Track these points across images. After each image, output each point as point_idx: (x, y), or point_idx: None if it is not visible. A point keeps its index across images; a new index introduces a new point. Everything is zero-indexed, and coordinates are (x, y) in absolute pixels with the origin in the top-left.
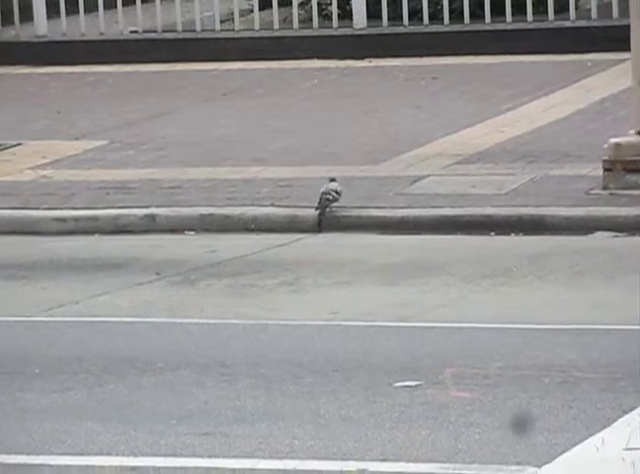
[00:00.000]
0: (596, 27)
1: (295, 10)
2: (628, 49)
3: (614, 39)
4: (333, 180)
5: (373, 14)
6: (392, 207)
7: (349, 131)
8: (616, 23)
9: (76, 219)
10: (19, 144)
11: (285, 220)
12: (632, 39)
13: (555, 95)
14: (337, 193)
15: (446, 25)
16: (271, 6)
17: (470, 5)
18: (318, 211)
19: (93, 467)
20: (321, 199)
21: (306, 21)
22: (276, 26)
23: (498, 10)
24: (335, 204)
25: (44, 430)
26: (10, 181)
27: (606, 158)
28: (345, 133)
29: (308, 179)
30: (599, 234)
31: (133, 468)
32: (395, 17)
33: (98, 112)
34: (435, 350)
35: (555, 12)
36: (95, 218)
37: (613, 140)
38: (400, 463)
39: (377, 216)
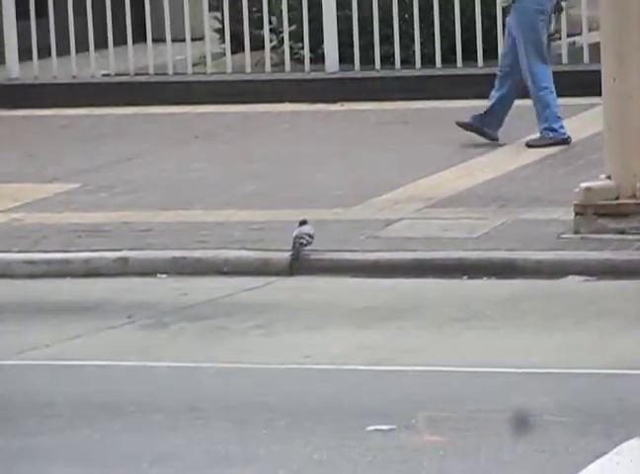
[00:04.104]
0: (567, 71)
1: (267, 53)
2: (598, 94)
3: (585, 84)
4: (304, 222)
5: (346, 58)
6: (365, 251)
7: (320, 175)
8: (587, 68)
9: (47, 262)
10: None
11: (258, 263)
12: (603, 84)
13: (526, 139)
14: (310, 236)
15: (418, 69)
16: (243, 49)
17: (442, 50)
18: (292, 256)
19: None
20: (295, 244)
21: (278, 64)
22: (247, 69)
23: (469, 55)
24: (307, 248)
25: None
26: None
27: (577, 202)
28: (316, 177)
29: (280, 222)
30: (570, 278)
31: None
32: (367, 61)
33: (70, 155)
34: (407, 393)
35: None
36: (66, 261)
37: (584, 185)
38: None
39: (350, 259)
